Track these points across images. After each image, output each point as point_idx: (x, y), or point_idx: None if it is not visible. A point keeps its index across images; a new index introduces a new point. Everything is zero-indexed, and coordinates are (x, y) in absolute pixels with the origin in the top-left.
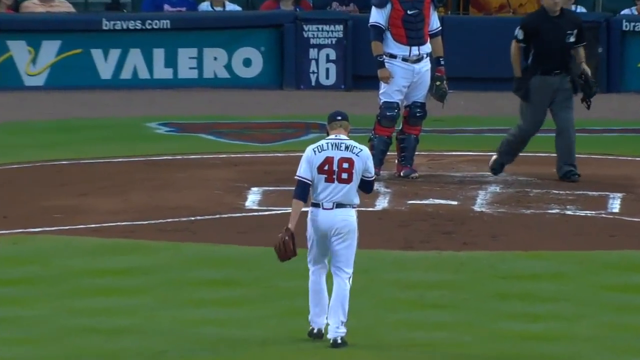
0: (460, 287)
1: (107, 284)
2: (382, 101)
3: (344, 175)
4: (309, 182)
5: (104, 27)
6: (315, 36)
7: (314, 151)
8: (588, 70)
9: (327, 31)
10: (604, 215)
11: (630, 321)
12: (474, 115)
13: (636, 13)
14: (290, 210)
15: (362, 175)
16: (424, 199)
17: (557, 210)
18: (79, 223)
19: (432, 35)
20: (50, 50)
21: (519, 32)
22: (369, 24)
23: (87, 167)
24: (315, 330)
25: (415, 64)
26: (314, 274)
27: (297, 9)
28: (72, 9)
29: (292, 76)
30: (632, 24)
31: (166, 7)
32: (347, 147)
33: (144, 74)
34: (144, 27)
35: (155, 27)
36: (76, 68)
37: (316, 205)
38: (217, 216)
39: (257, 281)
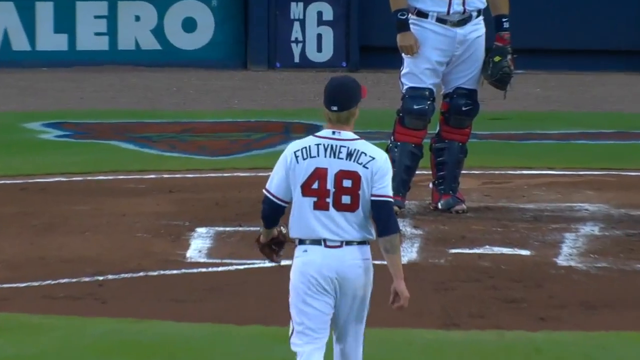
0: None
1: None
2: (405, 87)
3: (345, 200)
4: (282, 203)
5: None
6: None
7: (296, 156)
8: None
9: None
10: None
11: None
12: (556, 110)
13: None
14: (260, 265)
15: (372, 195)
16: (476, 246)
17: None
18: None
19: None
20: None
21: None
22: None
23: None
24: None
25: (459, 27)
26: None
27: None
28: None
29: (262, 48)
30: None
31: None
32: (350, 154)
33: (19, 43)
34: None
35: None
36: None
37: (304, 242)
38: (141, 274)
39: None
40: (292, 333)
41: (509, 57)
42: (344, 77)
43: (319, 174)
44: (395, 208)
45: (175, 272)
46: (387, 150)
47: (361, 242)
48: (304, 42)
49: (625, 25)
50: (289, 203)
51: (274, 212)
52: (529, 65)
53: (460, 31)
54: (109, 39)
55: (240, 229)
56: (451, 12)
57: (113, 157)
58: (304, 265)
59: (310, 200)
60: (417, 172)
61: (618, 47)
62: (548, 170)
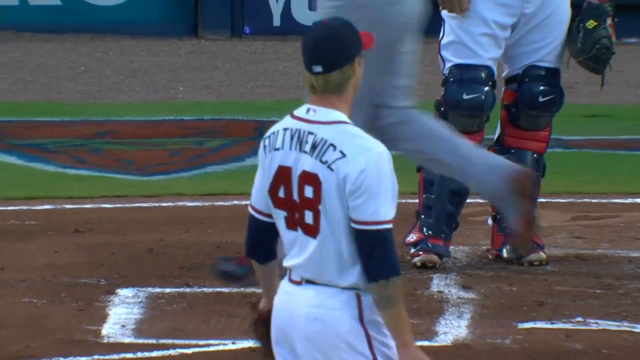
0: None
1: None
2: (447, 65)
3: (308, 218)
4: (268, 219)
5: None
6: None
7: (264, 146)
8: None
9: None
10: None
11: None
12: None
13: None
14: (222, 347)
15: (351, 219)
16: (562, 317)
17: None
18: None
19: None
20: None
21: None
22: None
23: None
24: None
25: None
26: None
27: None
28: None
29: (222, 5)
30: None
31: None
32: (315, 146)
33: None
34: None
35: None
36: None
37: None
38: None
39: None
40: None
41: (609, 21)
42: (333, 19)
43: (283, 175)
44: (433, 257)
45: (83, 359)
46: (419, 170)
47: (331, 285)
48: None
49: None
50: (270, 217)
51: (259, 233)
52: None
53: None
54: None
55: (188, 290)
56: None
57: None
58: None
59: (282, 215)
60: (471, 201)
61: None
62: None
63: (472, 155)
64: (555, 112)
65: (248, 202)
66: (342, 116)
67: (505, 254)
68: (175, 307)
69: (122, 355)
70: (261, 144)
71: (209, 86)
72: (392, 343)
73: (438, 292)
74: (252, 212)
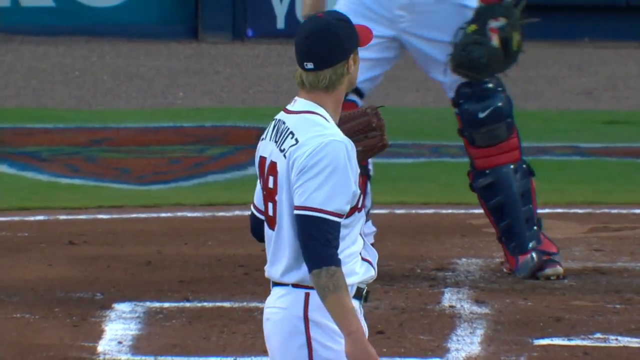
0: None
1: None
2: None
3: (270, 209)
4: (259, 215)
5: None
6: None
7: (260, 138)
8: None
9: None
10: None
11: None
12: None
13: None
14: None
15: (294, 206)
16: (579, 334)
17: None
18: None
19: None
20: None
21: None
22: None
23: None
24: None
25: None
26: None
27: None
28: None
29: (223, 7)
30: None
31: None
32: (279, 134)
33: None
34: None
35: None
36: None
37: None
38: None
39: None
40: None
41: (497, 23)
42: (329, 12)
43: (262, 166)
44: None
45: None
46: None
47: (291, 284)
48: None
49: None
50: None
51: (259, 232)
52: None
53: None
54: None
55: (188, 304)
56: None
57: None
58: None
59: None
60: (480, 211)
61: None
62: None
63: None
64: (506, 119)
65: (250, 213)
66: (315, 107)
67: (518, 273)
68: (175, 323)
69: None
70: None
71: (209, 92)
72: (338, 346)
73: (450, 306)
74: (251, 208)
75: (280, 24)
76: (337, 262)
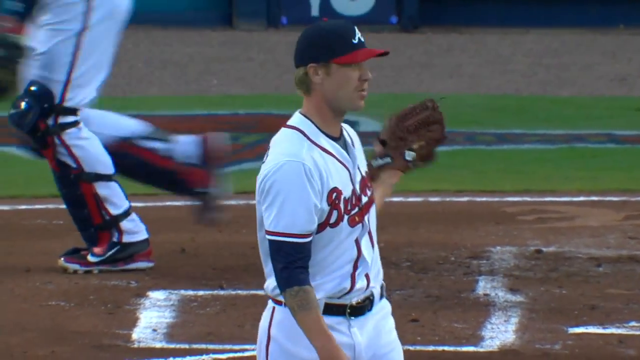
0: None
1: None
2: None
3: (259, 225)
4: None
5: None
6: None
7: None
8: None
9: None
10: None
11: None
12: None
13: None
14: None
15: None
16: (614, 322)
17: None
18: None
19: None
20: None
21: None
22: None
23: None
24: None
25: None
26: None
27: None
28: None
29: None
30: None
31: None
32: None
33: None
34: None
35: None
36: None
37: None
38: None
39: None
40: None
41: None
42: (329, 21)
43: None
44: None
45: None
46: None
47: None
48: None
49: None
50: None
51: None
52: None
53: None
54: None
55: (222, 292)
56: None
57: (5, 173)
58: None
59: None
60: (518, 199)
61: None
62: None
63: None
64: (17, 125)
65: None
66: (296, 119)
67: None
68: (209, 311)
69: None
70: None
71: (243, 79)
72: None
73: (484, 295)
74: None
75: (315, 11)
76: (301, 282)
